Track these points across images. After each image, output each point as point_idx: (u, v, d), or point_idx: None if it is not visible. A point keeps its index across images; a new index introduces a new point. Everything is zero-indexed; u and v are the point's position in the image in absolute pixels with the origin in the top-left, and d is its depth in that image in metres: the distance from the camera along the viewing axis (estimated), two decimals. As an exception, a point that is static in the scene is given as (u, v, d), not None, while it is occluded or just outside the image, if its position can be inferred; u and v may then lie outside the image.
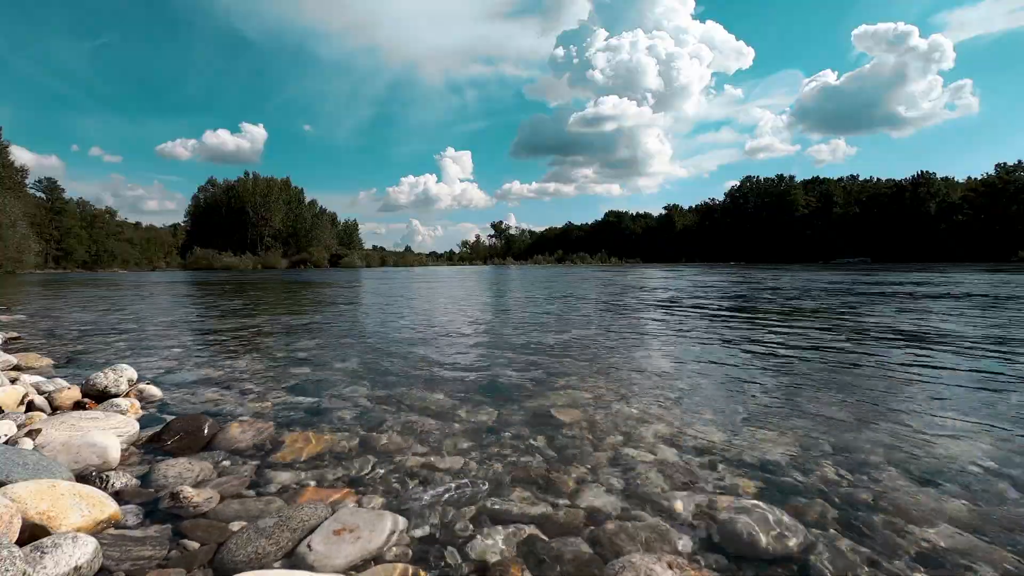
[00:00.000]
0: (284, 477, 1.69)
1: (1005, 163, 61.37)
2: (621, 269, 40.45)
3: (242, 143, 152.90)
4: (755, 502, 1.50)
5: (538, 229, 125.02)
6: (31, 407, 2.30)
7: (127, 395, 2.55)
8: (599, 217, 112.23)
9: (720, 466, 1.77)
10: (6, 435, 1.81)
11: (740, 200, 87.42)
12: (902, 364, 3.40)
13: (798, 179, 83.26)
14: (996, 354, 3.69)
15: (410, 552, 1.28)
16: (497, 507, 1.49)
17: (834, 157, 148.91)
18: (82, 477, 1.60)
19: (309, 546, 1.25)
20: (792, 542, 1.30)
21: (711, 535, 1.35)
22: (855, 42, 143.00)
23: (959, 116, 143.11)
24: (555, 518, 1.43)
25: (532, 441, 2.02)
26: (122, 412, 2.26)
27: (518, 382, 3.00)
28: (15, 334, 4.88)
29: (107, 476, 1.60)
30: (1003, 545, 1.28)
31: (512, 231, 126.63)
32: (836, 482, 1.65)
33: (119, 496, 1.52)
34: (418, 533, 1.36)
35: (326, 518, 1.37)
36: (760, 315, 6.56)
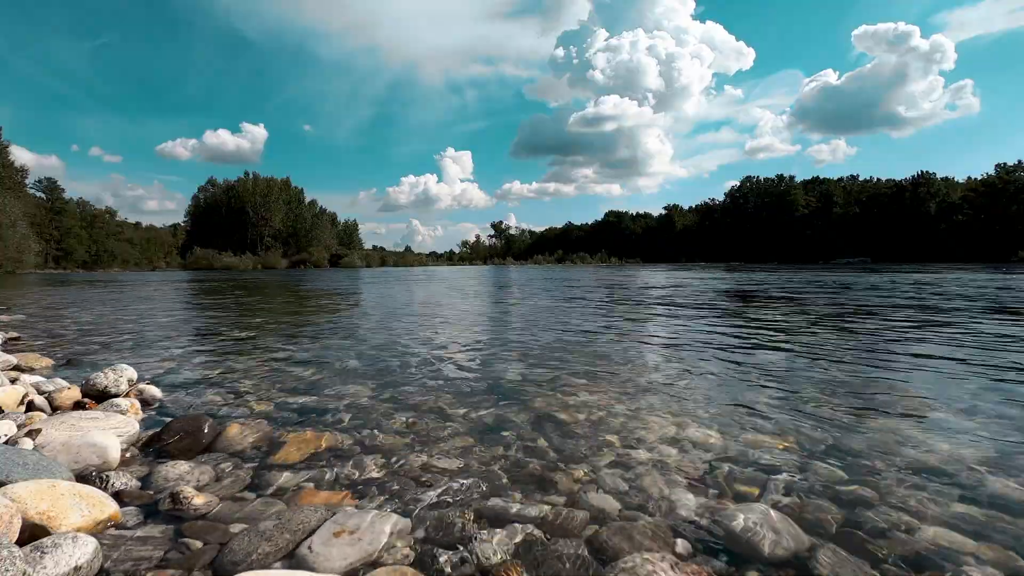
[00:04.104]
0: (284, 478, 1.69)
1: (1005, 163, 61.40)
2: (621, 269, 40.46)
3: (242, 143, 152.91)
4: (756, 503, 1.50)
5: (538, 229, 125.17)
6: (31, 407, 2.30)
7: (127, 395, 2.55)
8: (599, 217, 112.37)
9: (720, 466, 1.77)
10: (6, 435, 1.81)
11: (740, 200, 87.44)
12: (902, 363, 3.40)
13: (798, 179, 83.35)
14: (996, 353, 3.69)
15: (410, 553, 1.28)
16: (497, 508, 1.49)
17: (834, 157, 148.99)
18: (82, 477, 1.60)
19: (309, 548, 1.25)
20: (792, 543, 1.30)
21: (711, 536, 1.35)
22: (855, 42, 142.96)
23: (959, 116, 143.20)
24: (555, 519, 1.43)
25: (532, 441, 2.02)
26: (122, 412, 2.25)
27: (518, 382, 3.00)
28: (15, 334, 4.88)
29: (107, 476, 1.60)
30: (1004, 545, 1.28)
31: (512, 231, 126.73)
32: (837, 482, 1.64)
33: (119, 497, 1.52)
34: (418, 534, 1.36)
35: (326, 520, 1.37)
36: (760, 315, 6.56)
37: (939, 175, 67.37)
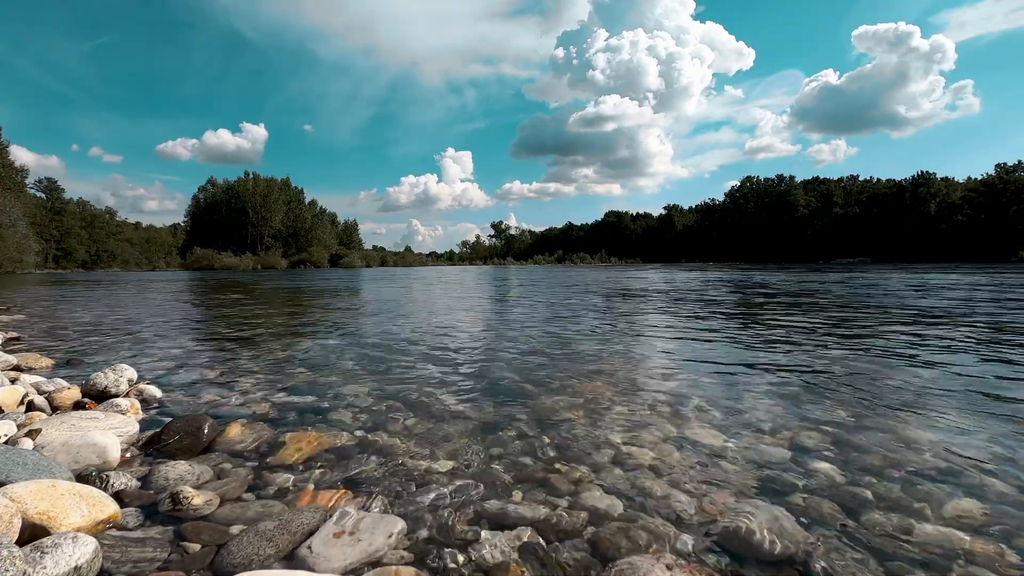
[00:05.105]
0: (284, 479, 1.69)
1: (1005, 163, 61.43)
2: (622, 269, 40.45)
3: (242, 143, 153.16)
4: (755, 502, 1.50)
5: (538, 229, 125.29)
6: (31, 407, 2.30)
7: (127, 395, 2.55)
8: (599, 217, 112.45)
9: (720, 466, 1.77)
10: (6, 435, 1.81)
11: (740, 200, 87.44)
12: (902, 363, 3.40)
13: (798, 179, 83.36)
14: (995, 352, 3.69)
15: (410, 554, 1.28)
16: (497, 509, 1.49)
17: (834, 157, 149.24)
18: (82, 477, 1.60)
19: (309, 549, 1.25)
20: (792, 542, 1.30)
21: (711, 536, 1.35)
22: (855, 42, 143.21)
23: (960, 116, 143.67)
24: (555, 519, 1.43)
25: (532, 442, 2.02)
26: (122, 412, 2.26)
27: (518, 383, 3.00)
28: (15, 334, 4.88)
29: (107, 476, 1.60)
30: (1004, 545, 1.28)
31: (512, 231, 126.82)
32: (836, 482, 1.64)
33: (119, 497, 1.52)
34: (419, 535, 1.36)
35: (326, 520, 1.37)
36: (759, 315, 6.56)
37: (939, 175, 67.39)
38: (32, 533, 1.21)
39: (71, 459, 1.68)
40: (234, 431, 2.07)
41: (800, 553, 1.27)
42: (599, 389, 2.82)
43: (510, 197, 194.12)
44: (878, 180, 75.53)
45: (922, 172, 67.55)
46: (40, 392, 2.48)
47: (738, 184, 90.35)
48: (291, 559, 1.24)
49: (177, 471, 1.69)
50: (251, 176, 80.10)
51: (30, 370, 3.22)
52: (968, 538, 1.32)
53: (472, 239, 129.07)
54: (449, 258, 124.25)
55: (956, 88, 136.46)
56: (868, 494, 1.56)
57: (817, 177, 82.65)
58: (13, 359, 3.28)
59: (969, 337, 4.48)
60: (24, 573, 1.02)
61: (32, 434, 1.79)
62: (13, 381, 2.61)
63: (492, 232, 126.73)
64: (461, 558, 1.26)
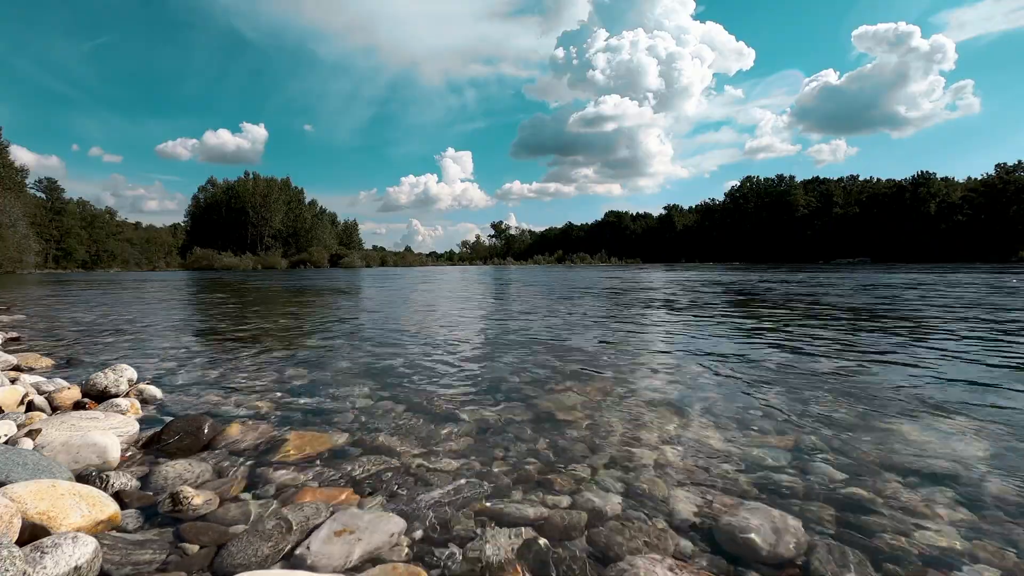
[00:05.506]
0: (284, 478, 1.69)
1: (1005, 163, 61.46)
2: (621, 269, 40.44)
3: (242, 143, 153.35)
4: (755, 503, 1.50)
5: (538, 229, 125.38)
6: (31, 407, 2.30)
7: (127, 395, 2.55)
8: (599, 217, 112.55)
9: (720, 467, 1.77)
10: (6, 435, 1.81)
11: (740, 200, 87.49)
12: (902, 364, 3.40)
13: (798, 179, 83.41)
14: (995, 352, 3.69)
15: (411, 553, 1.28)
16: (498, 508, 1.49)
17: (834, 157, 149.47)
18: (82, 477, 1.60)
19: (309, 548, 1.25)
20: (792, 543, 1.29)
21: (711, 536, 1.35)
22: (855, 42, 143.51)
23: (960, 116, 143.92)
24: (556, 519, 1.43)
25: (533, 442, 2.02)
26: (122, 412, 2.25)
27: (519, 383, 2.99)
28: (15, 334, 4.88)
29: (107, 476, 1.60)
30: (1004, 545, 1.28)
31: (512, 231, 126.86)
32: (837, 483, 1.64)
33: (119, 497, 1.52)
34: (418, 534, 1.36)
35: (326, 519, 1.37)
36: (759, 315, 6.56)
37: (939, 175, 67.42)
38: (32, 533, 1.21)
39: (71, 459, 1.68)
40: (234, 430, 2.07)
41: (800, 554, 1.27)
42: (599, 390, 2.82)
43: (510, 197, 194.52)
44: (878, 180, 75.55)
45: (922, 172, 67.59)
46: (40, 392, 2.48)
47: (738, 184, 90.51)
48: (291, 559, 1.23)
49: (177, 471, 1.69)
50: (251, 176, 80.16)
51: (30, 370, 3.22)
52: (967, 539, 1.32)
53: (472, 239, 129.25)
54: (449, 258, 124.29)
55: (956, 88, 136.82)
56: (868, 495, 1.56)
57: (817, 177, 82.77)
58: (13, 359, 3.28)
59: (969, 337, 4.48)
60: (24, 573, 1.02)
61: (32, 434, 1.79)
62: (13, 381, 2.61)
63: (492, 232, 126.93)
64: (461, 557, 1.26)
